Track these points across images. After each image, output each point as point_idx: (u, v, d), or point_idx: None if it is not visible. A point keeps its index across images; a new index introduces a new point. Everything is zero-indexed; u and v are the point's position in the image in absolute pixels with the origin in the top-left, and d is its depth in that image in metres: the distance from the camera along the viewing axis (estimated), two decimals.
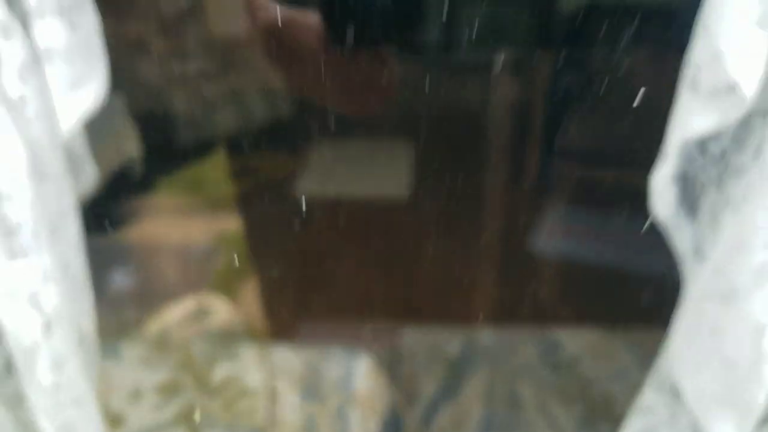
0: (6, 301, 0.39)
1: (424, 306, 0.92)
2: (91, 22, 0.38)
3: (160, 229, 0.90)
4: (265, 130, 0.80)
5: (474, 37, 0.66)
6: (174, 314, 0.93)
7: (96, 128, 0.49)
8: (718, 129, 0.37)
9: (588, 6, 0.65)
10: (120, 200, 0.83)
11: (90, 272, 0.48)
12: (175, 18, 0.71)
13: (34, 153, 0.39)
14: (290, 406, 0.83)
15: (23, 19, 0.39)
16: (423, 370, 0.88)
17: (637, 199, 0.48)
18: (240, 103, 0.79)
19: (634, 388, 0.53)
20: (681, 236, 0.44)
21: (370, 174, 0.80)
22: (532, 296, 0.88)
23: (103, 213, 0.62)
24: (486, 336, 0.91)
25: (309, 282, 0.90)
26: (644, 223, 0.47)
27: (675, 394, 0.46)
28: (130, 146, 0.80)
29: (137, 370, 0.84)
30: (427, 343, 0.92)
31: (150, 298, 0.93)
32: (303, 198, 0.75)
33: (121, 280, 0.88)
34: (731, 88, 0.34)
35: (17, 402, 0.44)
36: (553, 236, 0.84)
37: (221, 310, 0.94)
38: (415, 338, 0.92)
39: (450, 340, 0.91)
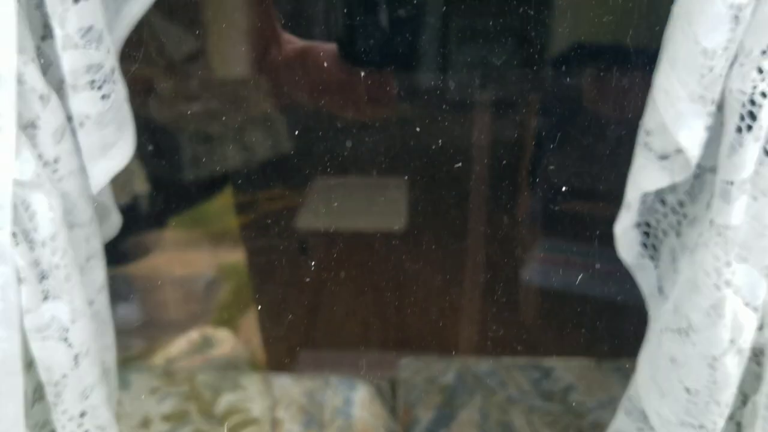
0: (38, 337, 0.44)
1: (420, 336, 0.94)
2: (120, 91, 0.43)
3: (166, 263, 0.93)
4: (267, 167, 0.83)
5: (463, 78, 0.70)
6: (179, 345, 0.96)
7: None
8: (672, 183, 0.42)
9: (572, 49, 0.69)
10: (127, 236, 0.86)
11: None
12: (180, 61, 0.75)
13: (66, 205, 0.44)
14: None
15: (58, 87, 0.44)
16: (419, 399, 0.89)
17: None
18: (242, 140, 0.82)
19: None
20: (645, 277, 0.48)
21: (367, 208, 0.82)
22: (525, 327, 0.90)
23: (111, 248, 0.65)
24: (480, 366, 0.93)
25: (309, 313, 0.92)
26: None
27: (644, 419, 0.50)
28: (138, 184, 0.83)
29: (146, 399, 0.87)
30: (423, 372, 0.93)
31: (156, 329, 0.95)
32: (303, 232, 0.78)
33: (128, 312, 0.90)
34: (679, 151, 0.39)
35: (45, 428, 0.48)
36: (545, 268, 0.87)
37: (225, 341, 0.97)
38: (411, 368, 0.94)
39: (445, 370, 0.93)
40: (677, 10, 0.39)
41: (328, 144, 0.74)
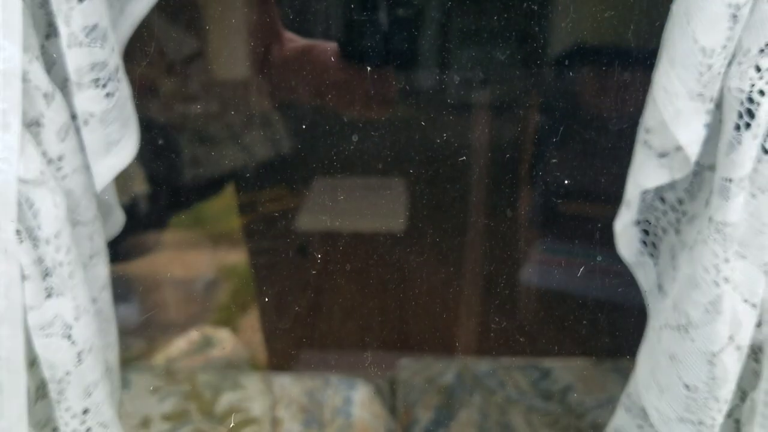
0: (41, 334, 0.44)
1: (420, 336, 0.94)
2: (124, 89, 0.43)
3: (166, 263, 0.93)
4: (268, 167, 0.83)
5: (464, 77, 0.71)
6: (179, 345, 0.96)
7: None
8: (671, 181, 0.42)
9: (573, 51, 0.69)
10: (127, 236, 0.86)
11: None
12: (181, 60, 0.75)
13: (70, 202, 0.44)
14: None
15: (62, 85, 0.44)
16: (418, 399, 0.89)
17: None
18: (242, 141, 0.82)
19: None
20: (645, 274, 0.49)
21: (367, 208, 0.82)
22: (524, 327, 0.90)
23: (111, 248, 0.66)
24: (479, 366, 0.93)
25: (309, 313, 0.92)
26: None
27: (644, 415, 0.50)
28: (137, 184, 0.83)
29: (146, 399, 0.87)
30: (423, 372, 0.93)
31: (157, 329, 0.95)
32: (303, 232, 0.78)
33: (129, 312, 0.90)
34: (678, 149, 0.39)
35: (47, 425, 0.49)
36: (545, 268, 0.87)
37: (225, 341, 0.97)
38: (411, 368, 0.94)
39: (444, 370, 0.93)
40: (676, 9, 0.39)
41: (329, 143, 0.74)
